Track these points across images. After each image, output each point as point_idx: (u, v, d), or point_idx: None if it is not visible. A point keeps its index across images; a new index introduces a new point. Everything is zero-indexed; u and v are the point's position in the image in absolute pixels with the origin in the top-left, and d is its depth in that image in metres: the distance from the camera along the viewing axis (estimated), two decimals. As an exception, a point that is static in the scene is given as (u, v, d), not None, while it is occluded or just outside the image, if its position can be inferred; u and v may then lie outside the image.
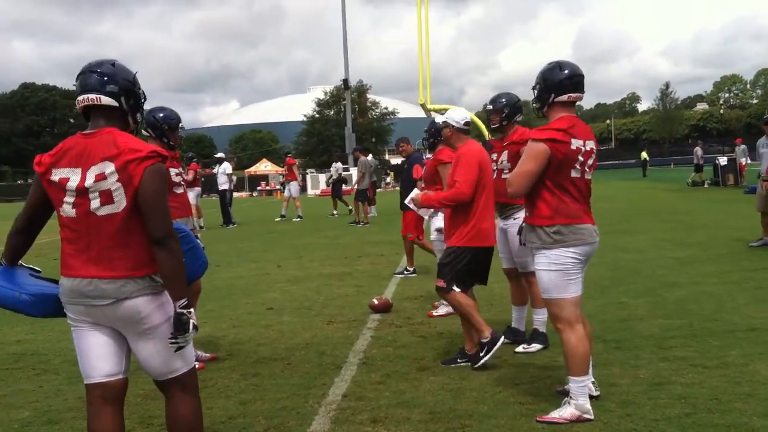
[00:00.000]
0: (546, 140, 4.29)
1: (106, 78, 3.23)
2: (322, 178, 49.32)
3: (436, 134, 6.79)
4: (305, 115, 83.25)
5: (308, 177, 52.84)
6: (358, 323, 7.32)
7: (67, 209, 3.17)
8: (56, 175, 3.18)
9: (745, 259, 10.18)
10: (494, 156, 6.20)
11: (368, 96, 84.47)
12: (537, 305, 6.04)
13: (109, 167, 3.10)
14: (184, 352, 3.29)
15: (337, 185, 25.08)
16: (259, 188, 59.52)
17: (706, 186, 29.71)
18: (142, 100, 3.43)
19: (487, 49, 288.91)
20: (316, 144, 79.86)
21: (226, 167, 22.46)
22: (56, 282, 3.56)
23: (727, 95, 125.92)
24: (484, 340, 5.50)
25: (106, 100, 3.23)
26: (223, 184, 22.13)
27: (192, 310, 3.18)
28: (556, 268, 4.38)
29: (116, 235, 3.13)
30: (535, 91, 4.57)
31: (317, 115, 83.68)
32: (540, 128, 4.42)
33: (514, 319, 6.30)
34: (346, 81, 54.28)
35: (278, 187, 49.87)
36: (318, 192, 46.69)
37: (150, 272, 3.20)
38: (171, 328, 3.18)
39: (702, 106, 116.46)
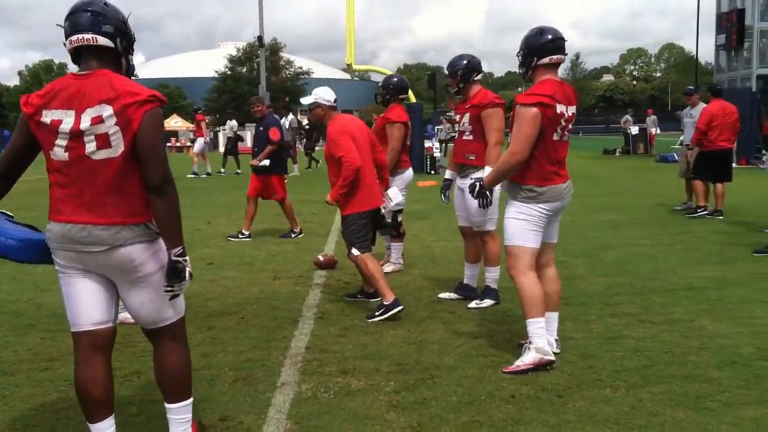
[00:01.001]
0: (536, 104, 4.39)
1: (100, 17, 3.07)
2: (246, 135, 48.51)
3: (394, 91, 6.74)
4: (216, 72, 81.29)
5: (220, 134, 51.77)
6: (305, 279, 7.29)
7: (59, 153, 3.01)
8: (47, 117, 3.01)
9: (671, 223, 10.64)
10: (457, 117, 6.31)
11: (282, 55, 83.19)
12: (490, 264, 6.16)
13: (107, 110, 2.96)
14: (175, 301, 3.21)
15: (233, 143, 24.60)
16: (169, 144, 57.98)
17: (617, 154, 30.72)
18: (133, 42, 3.28)
19: (401, 14, 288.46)
20: (228, 101, 78.11)
21: None
22: (31, 228, 3.42)
23: (632, 67, 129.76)
24: (386, 303, 5.72)
25: (103, 41, 3.07)
26: None
27: (187, 258, 3.09)
28: (523, 218, 4.56)
29: (112, 181, 3.01)
30: (519, 57, 4.69)
31: (229, 72, 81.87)
32: (526, 93, 4.51)
33: (466, 276, 6.39)
34: (260, 38, 52.93)
35: (188, 143, 48.81)
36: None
37: (145, 220, 3.09)
38: (164, 277, 3.09)
39: (608, 78, 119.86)
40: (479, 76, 6.26)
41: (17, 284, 7.12)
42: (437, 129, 31.24)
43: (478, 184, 5.69)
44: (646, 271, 7.26)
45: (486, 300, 6.08)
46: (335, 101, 6.09)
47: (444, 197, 6.60)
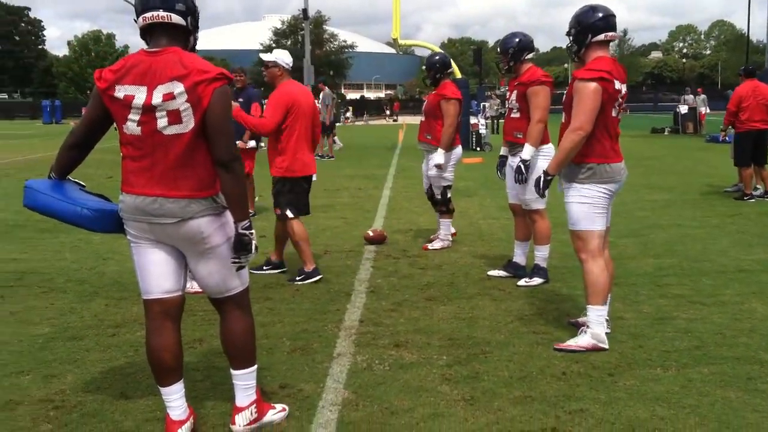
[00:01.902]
0: (597, 79, 4.39)
1: None
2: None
3: (442, 68, 6.76)
4: (261, 44, 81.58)
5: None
6: (354, 254, 7.43)
7: (132, 126, 3.15)
8: (120, 92, 3.14)
9: (721, 204, 10.54)
10: (508, 95, 6.37)
11: (326, 28, 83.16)
12: (539, 242, 6.22)
13: (178, 87, 3.08)
14: (241, 272, 3.35)
15: None
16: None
17: (666, 133, 30.27)
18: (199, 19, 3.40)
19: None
20: (273, 74, 78.52)
21: None
22: (103, 197, 3.56)
23: (681, 45, 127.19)
24: (306, 270, 6.27)
25: (176, 18, 3.19)
26: None
27: (253, 231, 3.23)
28: (586, 201, 4.55)
29: (182, 156, 3.13)
30: (571, 36, 4.68)
31: (274, 45, 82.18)
32: (585, 68, 4.49)
33: (516, 254, 6.46)
34: (305, 11, 52.92)
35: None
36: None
37: (213, 193, 3.22)
38: (230, 249, 3.23)
39: (656, 55, 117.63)
40: (531, 55, 6.30)
41: (80, 252, 7.38)
42: (483, 105, 31.07)
43: (522, 165, 5.87)
44: (696, 252, 7.25)
45: (535, 278, 6.15)
46: (290, 66, 6.32)
47: (499, 173, 6.65)
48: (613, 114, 4.56)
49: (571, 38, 4.72)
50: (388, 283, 6.23)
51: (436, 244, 7.62)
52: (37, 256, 7.21)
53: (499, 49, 6.47)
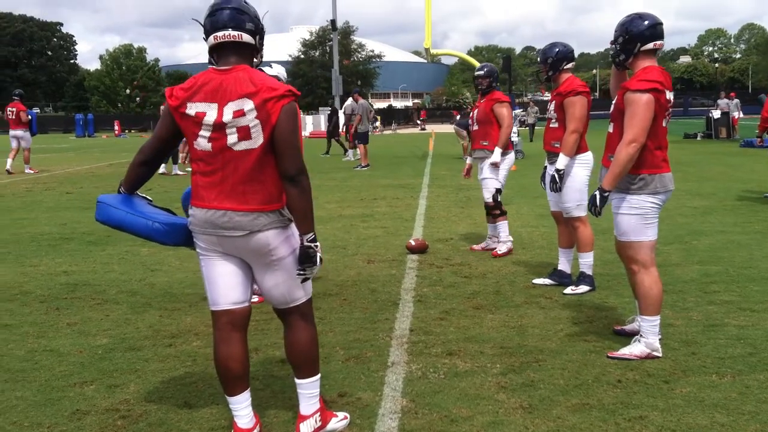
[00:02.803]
0: (650, 90, 4.40)
1: (244, 15, 3.27)
2: (309, 119, 49.17)
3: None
4: (290, 56, 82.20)
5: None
6: (398, 263, 7.48)
7: (203, 143, 3.24)
8: (192, 109, 3.23)
9: (762, 210, 10.46)
10: (549, 105, 6.47)
11: (353, 38, 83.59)
12: (582, 250, 6.23)
13: (248, 104, 3.16)
14: (305, 283, 3.42)
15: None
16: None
17: (699, 139, 29.99)
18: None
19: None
20: (302, 85, 79.16)
21: None
22: (169, 211, 3.66)
23: (710, 49, 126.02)
24: None
25: (246, 38, 3.28)
26: None
27: (318, 243, 3.29)
28: (636, 212, 4.54)
29: (251, 170, 3.21)
30: (617, 44, 4.67)
31: (302, 56, 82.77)
32: (637, 79, 4.49)
33: (560, 262, 6.48)
34: (333, 22, 53.56)
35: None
36: (306, 134, 46.42)
37: (279, 207, 3.29)
38: (296, 261, 3.30)
39: (685, 59, 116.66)
40: (570, 65, 6.35)
41: (128, 264, 7.51)
42: (513, 113, 30.97)
43: (556, 174, 5.97)
44: (741, 259, 7.21)
45: (581, 286, 6.16)
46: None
47: (542, 184, 6.69)
48: (663, 124, 4.57)
49: (617, 47, 4.71)
50: (434, 292, 6.27)
51: (503, 248, 7.74)
52: (86, 269, 7.35)
53: (539, 59, 6.55)
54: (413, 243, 8.01)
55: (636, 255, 4.60)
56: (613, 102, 4.70)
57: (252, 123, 3.16)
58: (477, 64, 31.47)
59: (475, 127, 7.86)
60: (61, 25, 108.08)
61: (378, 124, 53.52)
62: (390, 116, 70.83)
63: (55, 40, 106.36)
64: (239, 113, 3.16)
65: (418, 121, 64.59)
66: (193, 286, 6.43)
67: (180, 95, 3.28)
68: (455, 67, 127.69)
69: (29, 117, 19.40)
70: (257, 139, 3.18)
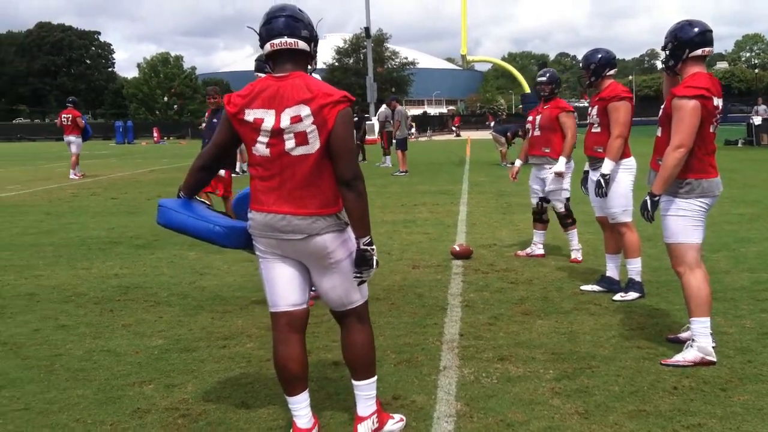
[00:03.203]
0: (697, 97, 4.44)
1: (299, 23, 3.33)
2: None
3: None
4: (325, 63, 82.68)
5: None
6: (443, 268, 7.50)
7: (261, 149, 3.30)
8: (250, 116, 3.29)
9: (810, 218, 10.29)
10: (590, 110, 6.47)
11: (387, 45, 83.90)
12: (630, 256, 6.20)
13: (305, 110, 3.21)
14: (362, 286, 3.46)
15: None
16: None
17: (740, 145, 29.57)
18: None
19: (504, 1, 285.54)
20: (336, 92, 79.43)
21: None
22: (225, 215, 3.73)
23: (748, 54, 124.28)
24: None
25: (302, 45, 3.34)
26: None
27: (374, 247, 3.33)
28: (683, 215, 4.59)
29: (308, 175, 3.26)
30: (667, 50, 4.74)
31: (336, 64, 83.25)
32: (684, 86, 4.53)
33: (608, 268, 6.44)
34: (367, 29, 53.92)
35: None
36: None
37: (336, 210, 3.34)
38: (352, 264, 3.34)
39: (722, 65, 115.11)
40: (613, 71, 6.36)
41: (177, 268, 7.63)
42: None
43: (602, 180, 5.98)
44: (793, 266, 7.11)
45: (631, 292, 6.11)
46: None
47: (583, 188, 6.69)
48: (711, 130, 4.61)
49: (667, 52, 4.76)
50: (481, 298, 6.27)
51: (579, 255, 7.77)
52: (137, 272, 7.48)
53: (581, 65, 6.58)
54: (458, 248, 8.02)
55: (683, 257, 4.62)
56: (662, 107, 4.73)
57: (309, 128, 3.21)
58: (513, 71, 31.40)
59: (537, 133, 7.82)
60: (99, 34, 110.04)
61: (413, 131, 53.63)
62: (425, 123, 70.91)
63: (93, 48, 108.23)
64: (296, 119, 3.22)
65: (454, 128, 64.58)
66: (242, 290, 6.52)
67: (238, 102, 3.34)
68: (489, 74, 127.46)
69: (83, 123, 19.98)
70: (314, 144, 3.23)
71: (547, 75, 7.87)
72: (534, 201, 8.00)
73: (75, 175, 19.99)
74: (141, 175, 21.74)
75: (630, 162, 6.24)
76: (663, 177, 4.55)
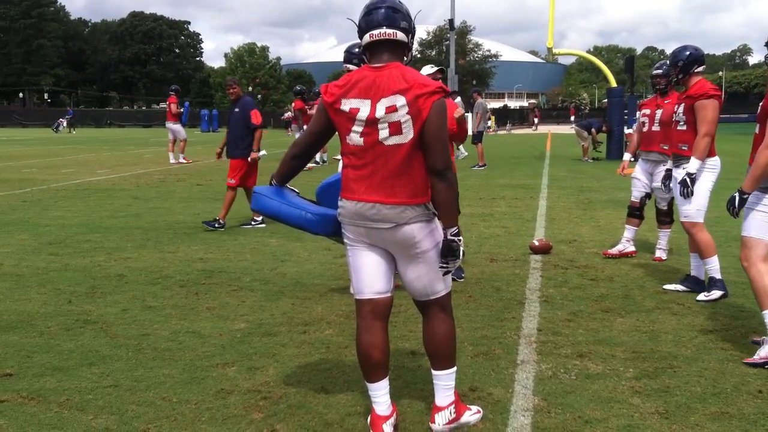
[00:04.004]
0: None
1: (398, 14, 3.37)
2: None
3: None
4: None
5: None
6: (521, 263, 7.46)
7: (355, 138, 3.35)
8: (346, 105, 3.36)
9: None
10: (676, 108, 6.37)
11: (470, 38, 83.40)
12: (707, 255, 6.03)
13: (401, 100, 3.25)
14: (446, 276, 3.49)
15: None
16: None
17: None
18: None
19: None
20: (418, 84, 79.44)
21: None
22: (314, 202, 3.81)
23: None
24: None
25: (401, 36, 3.38)
26: None
27: (461, 237, 3.36)
28: (765, 210, 4.52)
29: (400, 165, 3.30)
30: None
31: (419, 55, 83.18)
32: None
33: (693, 267, 6.30)
34: (451, 21, 53.41)
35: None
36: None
37: (425, 200, 3.37)
38: (438, 254, 3.37)
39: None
40: (701, 68, 6.17)
41: (259, 254, 7.81)
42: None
43: (688, 179, 5.84)
44: None
45: (713, 291, 5.96)
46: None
47: (663, 186, 6.56)
48: None
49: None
50: (560, 293, 6.22)
51: (662, 255, 7.60)
52: (221, 256, 7.70)
53: (669, 62, 6.42)
54: (537, 243, 7.96)
55: (751, 251, 4.59)
56: (761, 105, 4.62)
57: (403, 118, 3.25)
58: (601, 65, 30.60)
59: (656, 128, 7.42)
60: (189, 23, 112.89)
61: (491, 123, 53.17)
62: (505, 116, 70.22)
63: (182, 38, 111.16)
64: (391, 109, 3.26)
65: (536, 120, 63.76)
66: (321, 277, 6.64)
67: (335, 92, 3.41)
68: (572, 67, 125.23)
69: (180, 110, 20.90)
70: (408, 134, 3.27)
71: (663, 68, 7.44)
72: (637, 195, 7.73)
73: (183, 159, 20.97)
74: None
75: (714, 161, 6.08)
76: (754, 175, 4.47)
